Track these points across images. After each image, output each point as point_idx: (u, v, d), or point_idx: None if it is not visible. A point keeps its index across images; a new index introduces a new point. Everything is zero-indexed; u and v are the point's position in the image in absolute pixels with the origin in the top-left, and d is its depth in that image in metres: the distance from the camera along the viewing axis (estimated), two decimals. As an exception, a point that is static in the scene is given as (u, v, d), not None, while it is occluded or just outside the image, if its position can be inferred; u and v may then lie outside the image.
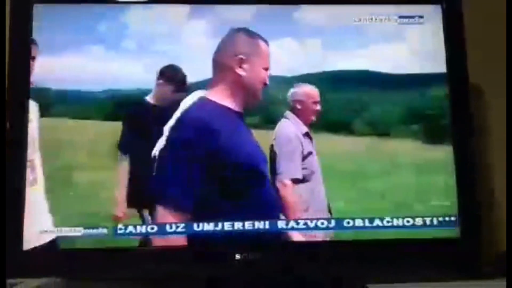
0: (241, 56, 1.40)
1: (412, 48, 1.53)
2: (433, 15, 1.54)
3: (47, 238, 1.41)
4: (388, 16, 1.53)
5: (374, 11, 1.53)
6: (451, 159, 1.47)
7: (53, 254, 1.41)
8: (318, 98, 1.47)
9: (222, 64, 1.41)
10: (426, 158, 1.51)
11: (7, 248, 1.33)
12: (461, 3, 1.53)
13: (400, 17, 1.54)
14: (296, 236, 1.44)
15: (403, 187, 1.49)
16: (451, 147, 1.48)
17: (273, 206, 1.41)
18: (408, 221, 1.45)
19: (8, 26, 1.46)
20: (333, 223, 1.45)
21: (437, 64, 1.51)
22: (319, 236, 1.44)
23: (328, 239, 1.45)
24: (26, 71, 1.44)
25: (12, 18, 1.46)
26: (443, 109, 1.51)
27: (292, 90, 1.48)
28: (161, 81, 1.46)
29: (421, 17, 1.54)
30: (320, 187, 1.45)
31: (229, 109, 1.38)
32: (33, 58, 1.44)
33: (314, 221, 1.45)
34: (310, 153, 1.47)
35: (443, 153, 1.48)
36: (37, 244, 1.40)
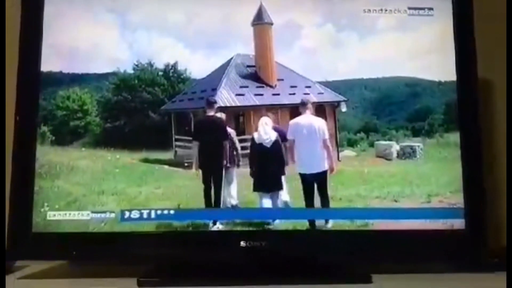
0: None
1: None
2: (443, 7, 1.54)
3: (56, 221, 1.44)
4: (398, 7, 1.54)
5: (384, 2, 1.54)
6: (458, 151, 1.50)
7: (61, 237, 1.44)
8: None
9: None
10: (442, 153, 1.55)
11: (17, 231, 1.38)
12: (472, -4, 1.53)
13: (410, 8, 1.54)
14: (302, 225, 1.48)
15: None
16: (458, 139, 1.50)
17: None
18: (414, 212, 1.48)
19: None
20: (338, 212, 1.48)
21: (446, 57, 1.52)
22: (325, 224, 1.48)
23: (333, 228, 1.47)
24: (36, 59, 1.47)
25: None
26: (451, 101, 1.53)
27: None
28: None
29: (431, 9, 1.54)
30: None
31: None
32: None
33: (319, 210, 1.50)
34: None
35: (451, 145, 1.51)
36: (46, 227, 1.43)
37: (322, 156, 1.55)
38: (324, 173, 1.54)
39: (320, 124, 1.56)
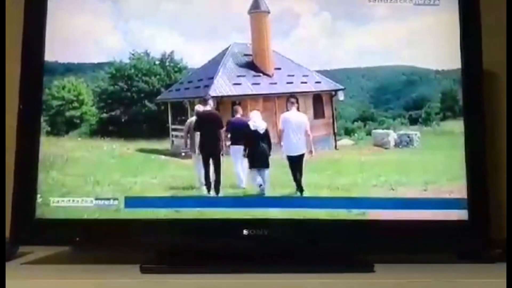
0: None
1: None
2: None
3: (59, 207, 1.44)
4: (404, -3, 1.55)
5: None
6: (455, 139, 1.51)
7: (64, 224, 1.44)
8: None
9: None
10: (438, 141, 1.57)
11: (20, 216, 1.40)
12: (478, -13, 1.53)
13: (416, -2, 1.55)
14: (304, 214, 1.48)
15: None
16: (455, 127, 1.52)
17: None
18: (417, 202, 1.49)
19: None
20: (342, 201, 1.49)
21: (452, 47, 1.52)
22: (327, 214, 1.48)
23: (337, 217, 1.48)
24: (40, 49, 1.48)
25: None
26: (455, 92, 1.54)
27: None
28: None
29: (437, -1, 1.55)
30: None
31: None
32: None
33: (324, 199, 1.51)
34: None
35: (454, 137, 1.52)
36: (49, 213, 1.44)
37: (303, 143, 1.60)
38: (302, 155, 1.61)
39: (304, 119, 1.65)
